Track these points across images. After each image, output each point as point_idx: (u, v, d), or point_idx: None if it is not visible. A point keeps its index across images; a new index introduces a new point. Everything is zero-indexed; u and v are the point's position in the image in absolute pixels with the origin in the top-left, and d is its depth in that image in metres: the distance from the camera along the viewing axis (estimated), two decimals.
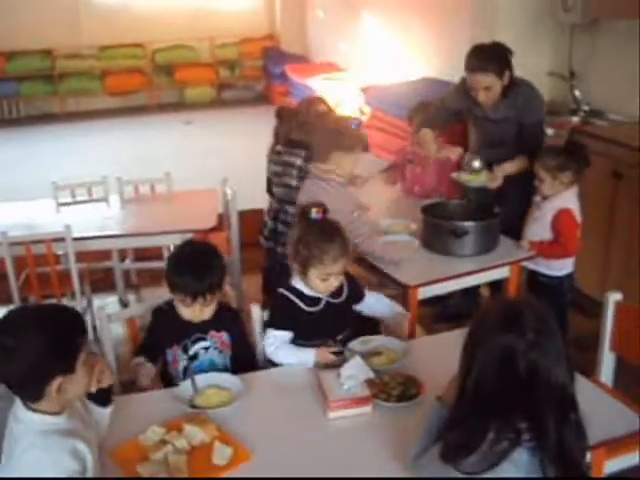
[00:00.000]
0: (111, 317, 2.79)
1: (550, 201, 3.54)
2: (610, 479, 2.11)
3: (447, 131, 4.32)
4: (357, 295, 2.88)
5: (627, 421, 2.21)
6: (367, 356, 2.53)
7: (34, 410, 1.89)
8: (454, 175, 3.88)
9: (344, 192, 3.34)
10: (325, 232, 2.68)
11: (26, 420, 1.89)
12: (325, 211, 2.72)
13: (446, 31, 6.62)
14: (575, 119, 5.01)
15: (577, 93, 5.11)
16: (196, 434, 2.12)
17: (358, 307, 2.91)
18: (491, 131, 3.96)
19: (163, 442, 2.10)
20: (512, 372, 1.74)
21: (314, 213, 2.71)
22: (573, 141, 3.90)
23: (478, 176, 3.81)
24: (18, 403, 1.93)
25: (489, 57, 3.72)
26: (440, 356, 2.21)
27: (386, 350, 2.60)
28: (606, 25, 4.95)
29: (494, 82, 3.72)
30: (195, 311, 2.58)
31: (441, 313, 4.33)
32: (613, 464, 2.38)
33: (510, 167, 3.79)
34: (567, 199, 3.52)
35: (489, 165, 3.85)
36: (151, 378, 2.52)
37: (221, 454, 2.06)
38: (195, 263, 2.58)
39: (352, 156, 3.31)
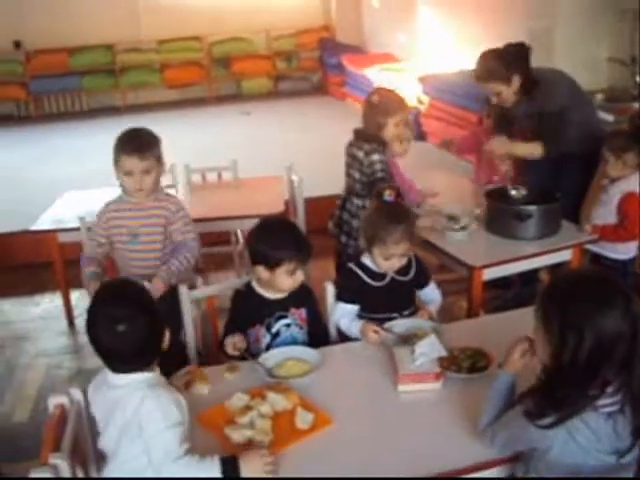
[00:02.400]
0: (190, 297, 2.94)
1: (617, 184, 3.60)
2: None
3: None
4: (423, 279, 3.00)
5: None
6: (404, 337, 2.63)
7: (132, 371, 2.04)
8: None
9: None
10: (392, 214, 2.82)
11: (126, 382, 2.03)
12: (399, 194, 2.84)
13: (503, 19, 6.63)
14: (637, 105, 5.01)
15: (638, 79, 5.10)
16: (279, 401, 2.25)
17: (420, 294, 3.02)
18: (519, 125, 4.05)
19: (248, 408, 2.23)
20: (617, 345, 1.84)
21: (387, 195, 2.84)
22: (637, 123, 3.92)
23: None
24: (107, 374, 2.07)
25: (489, 66, 3.79)
26: (504, 333, 2.28)
27: (420, 332, 2.65)
28: None
29: (500, 88, 3.80)
30: (296, 280, 2.67)
31: (502, 307, 4.37)
32: None
33: (505, 146, 3.90)
34: (633, 183, 3.57)
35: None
36: (241, 350, 2.60)
37: (304, 419, 2.18)
38: (291, 232, 2.72)
39: (392, 119, 3.59)
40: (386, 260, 2.82)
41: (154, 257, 3.32)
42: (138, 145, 3.19)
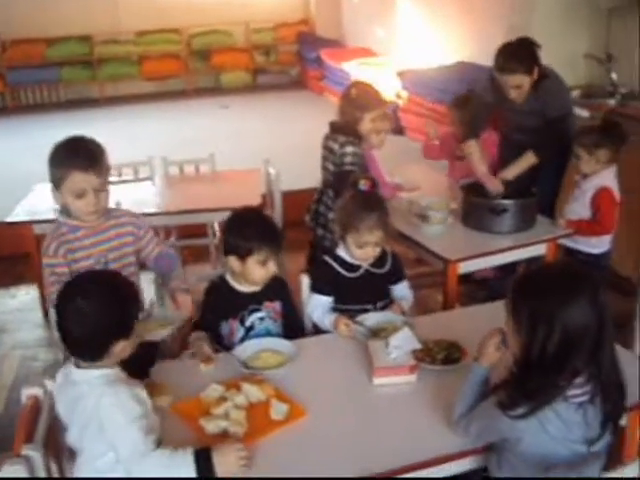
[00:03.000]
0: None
1: (590, 180, 3.64)
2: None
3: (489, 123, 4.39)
4: (397, 275, 3.00)
5: None
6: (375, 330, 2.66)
7: (89, 367, 2.04)
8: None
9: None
10: (366, 202, 2.85)
11: (85, 379, 2.03)
12: (374, 184, 2.86)
13: (482, 15, 6.66)
14: (612, 102, 5.06)
15: (614, 76, 5.15)
16: (254, 392, 2.26)
17: (393, 290, 3.01)
18: (520, 120, 4.07)
19: (223, 399, 2.24)
20: (586, 335, 1.88)
21: (362, 184, 2.86)
22: (608, 119, 3.96)
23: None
24: (69, 369, 2.08)
25: (517, 58, 3.78)
26: (479, 325, 2.30)
27: (391, 326, 2.66)
28: None
29: (523, 80, 3.79)
30: (268, 271, 2.67)
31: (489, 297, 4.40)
32: None
33: (511, 173, 3.83)
34: (606, 178, 3.62)
35: (521, 149, 3.93)
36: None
37: (278, 410, 2.19)
38: (261, 222, 2.73)
39: (369, 114, 3.59)
40: (359, 248, 2.83)
41: None
42: (92, 158, 2.66)
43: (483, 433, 2.06)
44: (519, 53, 3.79)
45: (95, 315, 1.99)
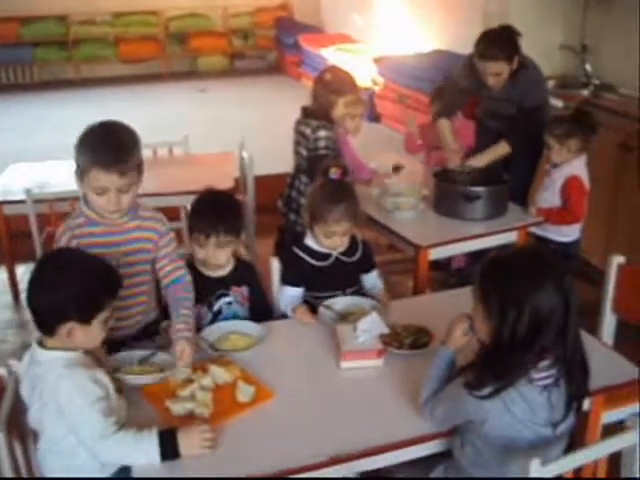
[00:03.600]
0: None
1: (560, 168, 3.67)
2: None
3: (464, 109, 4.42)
4: (368, 263, 2.99)
5: (627, 372, 2.33)
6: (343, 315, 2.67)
7: (53, 349, 2.04)
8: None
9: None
10: (335, 192, 2.83)
11: (46, 359, 2.03)
12: (345, 172, 2.85)
13: (458, 4, 6.67)
14: (585, 92, 5.09)
15: (588, 67, 5.18)
16: (221, 374, 2.26)
17: (364, 279, 3.00)
18: (495, 107, 4.10)
19: (190, 381, 2.24)
20: (553, 317, 1.91)
21: (333, 173, 2.84)
22: (579, 109, 3.98)
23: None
24: (34, 348, 2.08)
25: (499, 45, 3.78)
26: (448, 310, 2.30)
27: (359, 310, 2.68)
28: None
29: (503, 68, 3.79)
30: (209, 252, 2.67)
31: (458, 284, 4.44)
32: (612, 414, 2.48)
33: (481, 160, 3.87)
34: (576, 167, 3.65)
35: (495, 136, 3.95)
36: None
37: (244, 392, 2.20)
38: (212, 204, 2.73)
39: (343, 99, 3.60)
40: (327, 238, 2.82)
41: (141, 302, 2.62)
42: (117, 155, 2.32)
43: (448, 415, 2.08)
44: (501, 40, 3.79)
45: (54, 287, 2.00)
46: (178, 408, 2.13)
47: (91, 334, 2.07)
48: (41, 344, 2.07)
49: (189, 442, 1.97)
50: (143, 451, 1.96)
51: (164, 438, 1.97)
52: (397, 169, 4.08)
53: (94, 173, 2.32)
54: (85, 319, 2.04)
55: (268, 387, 2.25)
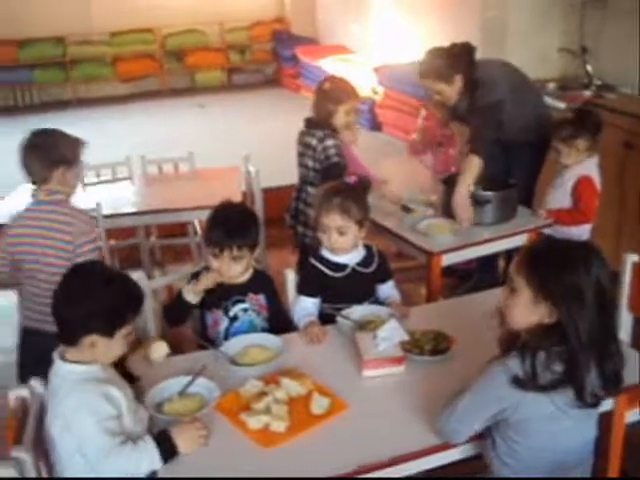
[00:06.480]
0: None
1: (571, 169, 3.65)
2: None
3: None
4: (384, 275, 2.97)
5: None
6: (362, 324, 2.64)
7: (69, 361, 2.06)
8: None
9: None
10: (333, 187, 2.88)
11: (62, 372, 2.06)
12: (360, 180, 2.88)
13: (455, 10, 6.69)
14: (587, 93, 5.10)
15: (589, 68, 5.19)
16: (294, 387, 2.26)
17: (379, 289, 2.98)
18: (465, 122, 4.00)
19: (263, 393, 2.23)
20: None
21: (348, 178, 2.89)
22: (582, 109, 3.97)
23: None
24: (55, 360, 2.09)
25: (433, 66, 3.71)
26: (463, 315, 2.30)
27: (377, 319, 2.65)
28: (616, 1, 5.03)
29: (441, 87, 3.74)
30: (224, 265, 2.66)
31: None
32: (635, 414, 2.46)
33: (464, 187, 3.54)
34: (588, 167, 3.64)
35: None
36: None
37: (319, 404, 2.20)
38: (228, 217, 2.72)
39: (342, 107, 3.63)
40: (323, 233, 2.82)
41: None
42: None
43: (473, 408, 2.04)
44: (436, 62, 3.71)
45: (83, 299, 2.02)
46: (254, 421, 2.13)
47: (112, 348, 2.10)
48: (62, 356, 2.09)
49: (186, 440, 2.02)
50: (144, 459, 1.99)
51: (160, 440, 2.01)
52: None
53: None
54: (109, 332, 2.06)
55: (343, 399, 2.25)
